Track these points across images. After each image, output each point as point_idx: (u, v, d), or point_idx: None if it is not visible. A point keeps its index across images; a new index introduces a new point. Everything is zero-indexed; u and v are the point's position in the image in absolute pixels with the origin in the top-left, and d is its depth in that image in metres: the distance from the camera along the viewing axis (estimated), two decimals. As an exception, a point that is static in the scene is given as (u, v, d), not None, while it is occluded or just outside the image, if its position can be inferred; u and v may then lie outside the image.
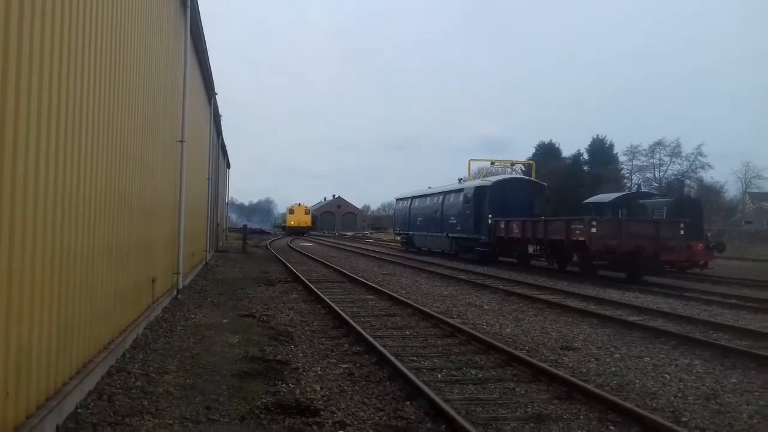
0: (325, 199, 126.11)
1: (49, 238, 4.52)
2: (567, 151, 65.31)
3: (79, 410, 5.09)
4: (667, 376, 7.17)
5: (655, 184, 59.91)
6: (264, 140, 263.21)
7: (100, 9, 5.81)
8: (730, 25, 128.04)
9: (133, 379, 6.18)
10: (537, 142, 66.87)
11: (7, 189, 3.72)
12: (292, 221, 76.23)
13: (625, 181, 62.25)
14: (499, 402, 5.95)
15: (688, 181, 57.52)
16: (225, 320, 10.04)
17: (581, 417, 5.55)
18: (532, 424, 5.34)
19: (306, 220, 77.47)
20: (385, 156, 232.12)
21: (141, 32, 7.93)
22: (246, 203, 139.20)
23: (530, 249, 23.09)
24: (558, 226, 20.50)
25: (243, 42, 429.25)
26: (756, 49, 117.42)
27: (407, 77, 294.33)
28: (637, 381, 6.94)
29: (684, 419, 5.61)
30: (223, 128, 29.52)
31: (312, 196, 71.92)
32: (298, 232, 72.79)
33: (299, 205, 79.02)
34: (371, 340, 8.21)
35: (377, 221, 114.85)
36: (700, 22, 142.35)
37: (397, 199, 42.85)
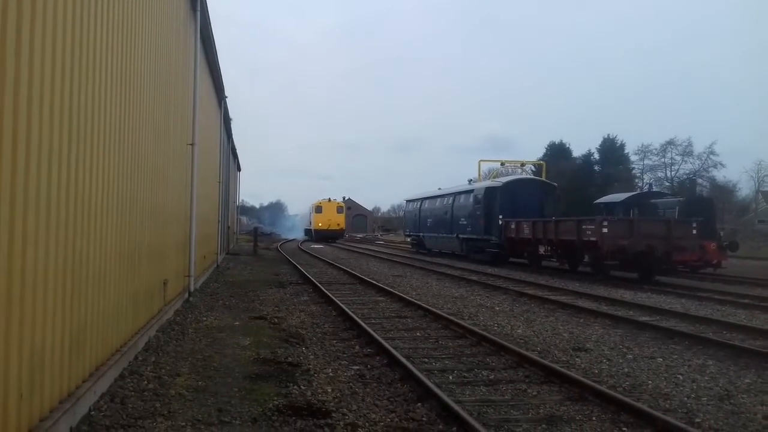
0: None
1: (62, 242, 4.56)
2: (577, 151, 65.09)
3: (92, 412, 5.13)
4: (680, 377, 7.13)
5: (667, 184, 59.44)
6: (271, 142, 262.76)
7: (111, 11, 5.85)
8: (740, 21, 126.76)
9: (146, 382, 6.22)
10: (546, 142, 66.78)
11: (20, 194, 3.75)
12: (320, 222, 58.74)
13: (637, 180, 61.94)
14: (511, 403, 5.94)
15: (700, 181, 57.08)
16: (236, 322, 10.08)
17: (594, 418, 5.53)
18: (544, 426, 5.32)
19: (338, 221, 59.73)
20: (392, 157, 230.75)
21: (151, 36, 7.98)
22: (257, 206, 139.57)
23: (541, 249, 23.00)
24: (569, 227, 20.43)
25: (247, 45, 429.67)
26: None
27: (412, 77, 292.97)
28: (650, 382, 6.90)
29: (697, 420, 5.57)
30: (233, 131, 29.66)
31: (320, 198, 65.99)
32: (327, 236, 57.72)
33: (329, 200, 60.81)
34: (382, 341, 8.22)
35: (387, 223, 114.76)
36: (711, 16, 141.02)
37: (407, 201, 42.90)
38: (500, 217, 25.75)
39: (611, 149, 62.95)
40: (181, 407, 5.45)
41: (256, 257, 29.30)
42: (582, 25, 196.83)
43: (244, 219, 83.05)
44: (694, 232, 18.79)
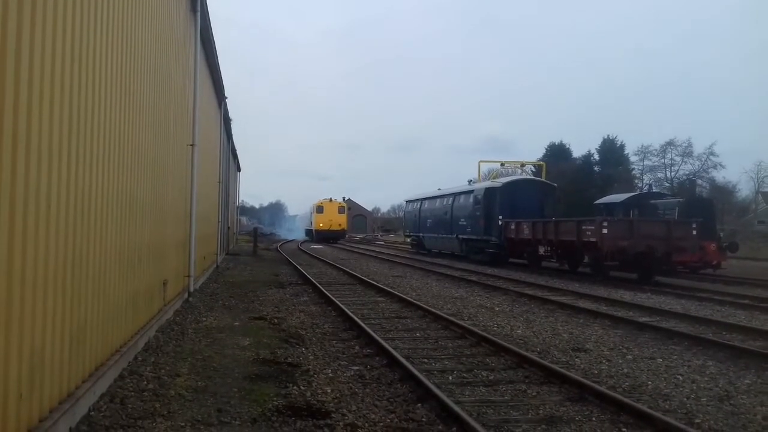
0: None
1: (62, 243, 4.56)
2: (577, 152, 65.10)
3: (92, 413, 5.13)
4: (680, 378, 7.13)
5: (667, 185, 59.46)
6: (271, 143, 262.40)
7: (111, 12, 5.85)
8: (740, 21, 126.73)
9: (145, 382, 6.22)
10: (546, 142, 66.76)
11: (20, 194, 3.75)
12: (321, 223, 57.75)
13: (636, 181, 61.93)
14: (511, 404, 5.94)
15: (699, 181, 57.09)
16: (236, 323, 10.07)
17: (593, 419, 5.53)
18: (544, 426, 5.32)
19: (340, 221, 58.65)
20: (392, 157, 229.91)
21: (151, 37, 7.98)
22: (257, 206, 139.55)
23: (541, 250, 23.02)
24: (569, 227, 20.43)
25: (247, 46, 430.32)
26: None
27: (412, 77, 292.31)
28: (650, 382, 6.90)
29: (697, 421, 5.57)
30: (232, 132, 29.65)
31: (321, 198, 64.54)
32: (328, 236, 56.96)
33: (330, 200, 59.71)
34: (382, 342, 8.21)
35: (387, 223, 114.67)
36: (711, 17, 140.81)
37: (407, 201, 42.93)
38: (500, 217, 25.77)
39: (611, 150, 62.97)
40: (180, 407, 5.45)
41: (255, 258, 29.29)
42: (582, 25, 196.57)
43: (243, 219, 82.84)
44: (694, 232, 18.79)
